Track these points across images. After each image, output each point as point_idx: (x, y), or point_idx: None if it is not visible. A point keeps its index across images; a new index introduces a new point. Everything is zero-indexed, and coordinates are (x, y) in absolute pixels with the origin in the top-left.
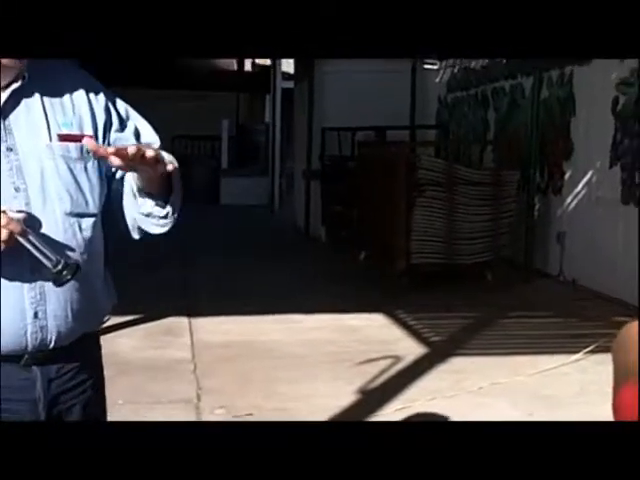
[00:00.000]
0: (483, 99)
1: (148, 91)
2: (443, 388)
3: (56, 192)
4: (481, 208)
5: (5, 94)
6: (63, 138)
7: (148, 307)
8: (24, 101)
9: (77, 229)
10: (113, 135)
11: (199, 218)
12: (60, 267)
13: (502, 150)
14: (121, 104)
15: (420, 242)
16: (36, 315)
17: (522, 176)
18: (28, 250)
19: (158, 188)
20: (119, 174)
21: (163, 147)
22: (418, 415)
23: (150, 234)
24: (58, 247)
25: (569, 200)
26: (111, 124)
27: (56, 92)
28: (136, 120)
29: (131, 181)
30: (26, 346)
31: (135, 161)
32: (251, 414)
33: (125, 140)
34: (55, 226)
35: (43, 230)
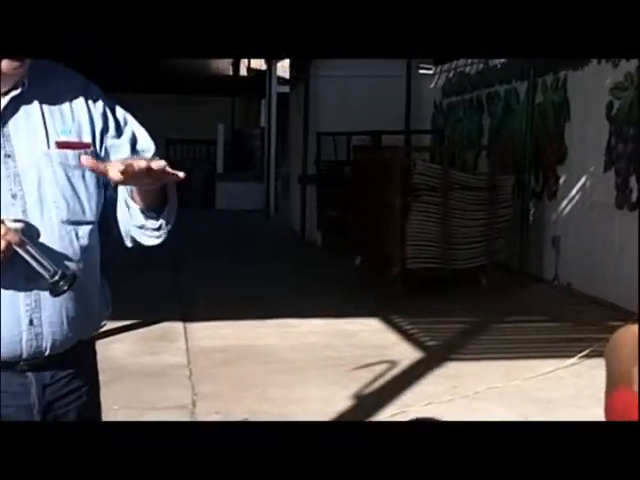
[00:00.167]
0: (478, 104)
1: (143, 95)
2: (439, 393)
3: (53, 199)
4: (476, 213)
5: (4, 101)
6: (61, 145)
7: (143, 312)
8: (23, 108)
9: (74, 237)
10: (109, 141)
11: (194, 223)
12: (57, 277)
13: (497, 155)
14: (120, 111)
15: (415, 247)
16: (31, 322)
17: (517, 181)
18: (25, 260)
19: (153, 200)
20: None
21: (158, 152)
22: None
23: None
24: (55, 256)
25: (564, 205)
26: (107, 129)
27: (55, 99)
28: (133, 127)
29: (124, 192)
30: (21, 353)
31: (142, 174)
32: (247, 419)
33: (120, 146)
34: (52, 234)
35: (40, 238)
